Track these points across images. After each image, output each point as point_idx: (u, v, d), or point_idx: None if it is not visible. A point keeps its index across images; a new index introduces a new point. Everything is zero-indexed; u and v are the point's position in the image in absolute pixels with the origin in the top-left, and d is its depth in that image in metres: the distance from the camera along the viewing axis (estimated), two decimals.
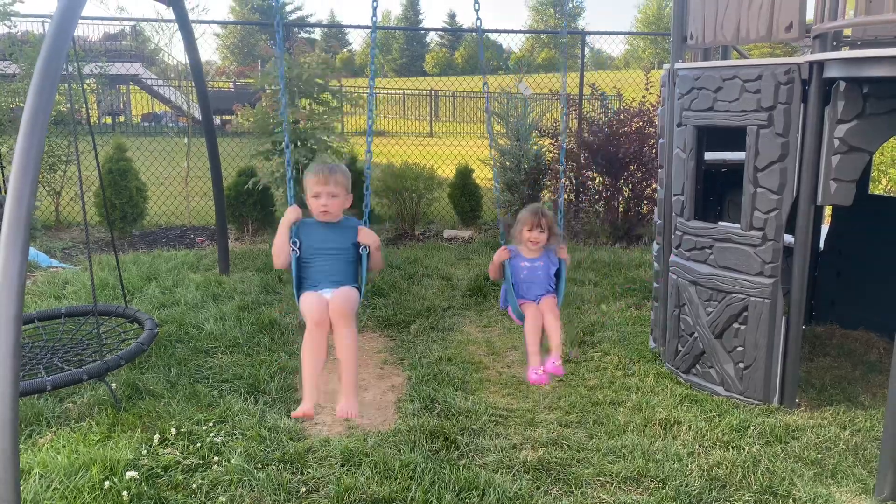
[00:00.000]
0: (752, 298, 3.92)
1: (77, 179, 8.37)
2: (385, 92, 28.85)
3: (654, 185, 7.83)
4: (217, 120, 20.62)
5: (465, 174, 8.47)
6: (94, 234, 8.08)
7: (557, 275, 3.86)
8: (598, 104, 7.95)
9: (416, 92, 28.67)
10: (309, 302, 3.13)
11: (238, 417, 3.76)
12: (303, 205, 3.40)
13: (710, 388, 4.18)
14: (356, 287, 3.29)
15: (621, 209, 7.99)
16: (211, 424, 3.68)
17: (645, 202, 7.85)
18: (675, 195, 4.38)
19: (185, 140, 8.31)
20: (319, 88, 7.33)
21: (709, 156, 4.43)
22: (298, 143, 7.12)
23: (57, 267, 6.70)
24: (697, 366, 4.27)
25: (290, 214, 3.27)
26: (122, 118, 23.14)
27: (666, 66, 4.52)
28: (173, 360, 4.46)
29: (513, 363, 4.72)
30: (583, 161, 7.73)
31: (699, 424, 3.78)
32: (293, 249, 3.25)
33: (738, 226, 3.97)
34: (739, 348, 4.02)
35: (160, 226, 8.50)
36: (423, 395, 4.07)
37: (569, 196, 8.30)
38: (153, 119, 22.89)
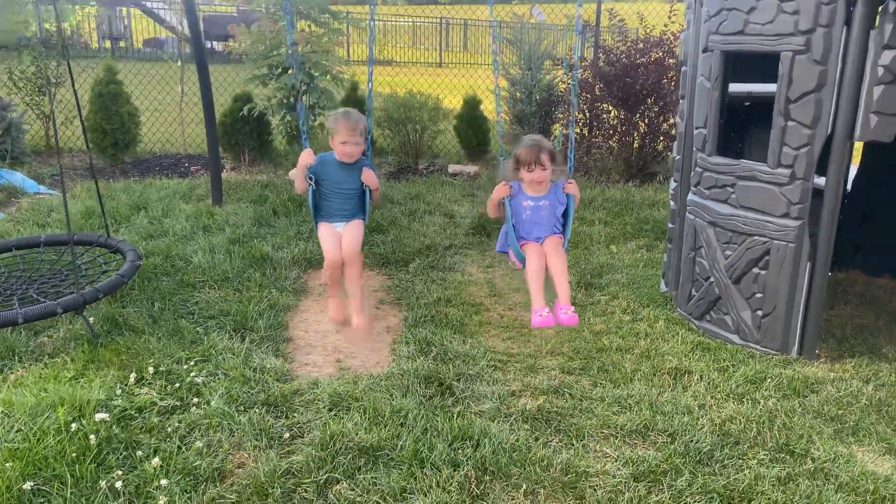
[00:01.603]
0: (776, 242, 3.62)
1: (67, 103, 8.04)
2: (393, 20, 27.91)
3: (671, 120, 7.42)
4: (219, 46, 20.01)
5: (472, 105, 8.06)
6: (85, 161, 7.78)
7: (565, 214, 3.52)
8: (616, 34, 7.46)
9: (426, 20, 27.71)
10: (325, 236, 3.76)
11: (222, 356, 3.55)
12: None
13: (724, 335, 3.93)
14: (363, 219, 3.89)
15: (636, 145, 7.61)
16: (192, 363, 3.47)
17: (661, 138, 7.47)
18: (696, 128, 4.04)
19: (179, 63, 7.90)
20: (320, 9, 6.89)
21: (732, 88, 4.07)
22: (293, 69, 6.74)
23: (44, 194, 6.44)
24: (712, 312, 4.01)
25: (306, 159, 3.72)
26: (122, 43, 22.49)
27: None
28: (157, 294, 4.24)
29: (515, 306, 4.47)
30: (597, 93, 7.30)
31: (712, 375, 3.54)
32: (310, 185, 3.76)
33: (765, 163, 3.64)
34: (758, 295, 3.75)
35: (154, 153, 8.18)
36: (419, 338, 3.85)
37: (581, 130, 7.90)
38: (155, 45, 22.21)
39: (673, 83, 7.18)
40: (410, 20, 28.01)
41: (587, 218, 6.20)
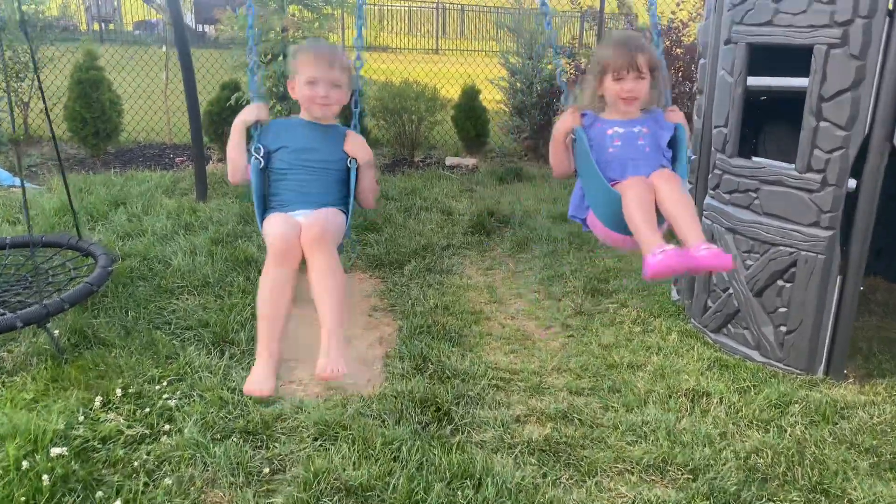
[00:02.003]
0: (803, 253, 3.32)
1: (46, 90, 7.66)
2: (389, 6, 27.41)
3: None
4: (209, 30, 19.52)
5: (470, 95, 7.72)
6: (66, 151, 7.42)
7: (671, 146, 2.40)
8: (623, 21, 7.11)
9: (423, 6, 27.22)
10: (274, 224, 2.32)
11: (199, 375, 3.25)
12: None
13: (743, 351, 3.65)
14: (343, 211, 2.48)
15: None
16: (166, 383, 3.16)
17: None
18: (715, 127, 3.73)
19: (163, 49, 7.53)
20: None
21: (749, 81, 3.75)
22: (283, 56, 6.38)
23: (19, 187, 6.08)
24: (730, 325, 3.72)
25: (250, 112, 2.47)
26: (111, 25, 21.98)
27: None
28: (132, 302, 3.93)
29: (517, 314, 4.18)
30: None
31: (732, 398, 3.26)
32: (256, 158, 2.44)
33: (792, 166, 3.33)
34: (782, 309, 3.46)
35: (138, 143, 7.82)
36: (415, 352, 3.55)
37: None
38: (146, 27, 21.71)
39: (681, 73, 6.85)
40: (407, 5, 27.53)
41: None
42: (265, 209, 2.47)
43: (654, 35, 2.54)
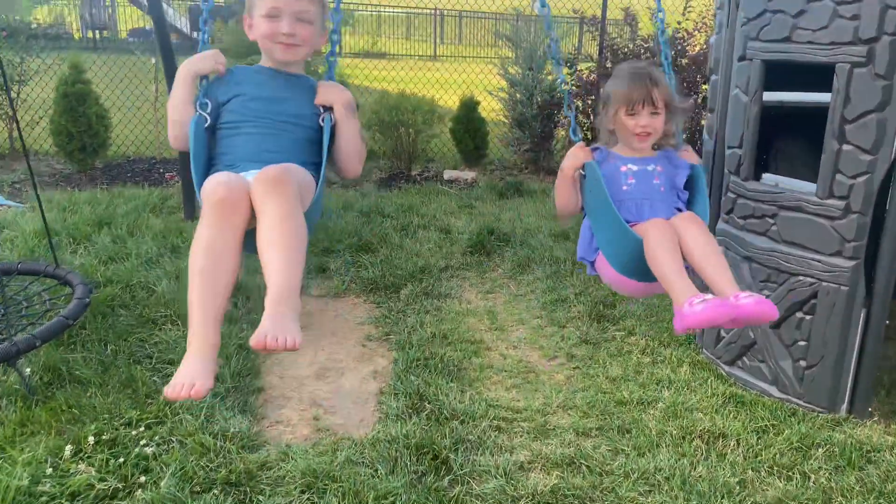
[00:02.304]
0: (825, 284, 3.12)
1: (32, 102, 7.46)
2: (386, 11, 27.25)
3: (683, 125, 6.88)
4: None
5: (469, 107, 7.51)
6: (52, 166, 7.21)
7: (689, 187, 2.22)
8: (626, 29, 6.91)
9: (420, 11, 27.05)
10: (215, 178, 1.83)
11: (179, 417, 3.03)
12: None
13: (759, 386, 3.43)
14: (313, 176, 1.98)
15: None
16: (143, 427, 2.95)
17: None
18: (729, 147, 3.52)
19: (153, 61, 7.32)
20: None
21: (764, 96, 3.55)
22: None
23: (2, 205, 5.87)
24: (745, 358, 3.51)
25: (203, 60, 1.99)
26: (106, 33, 21.78)
27: None
28: (112, 334, 3.71)
29: (519, 343, 3.96)
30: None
31: (750, 439, 3.05)
32: (200, 114, 1.96)
33: (812, 188, 3.13)
34: (802, 343, 3.25)
35: (128, 157, 7.60)
36: (411, 389, 3.33)
37: (586, 135, 7.37)
38: (141, 35, 21.51)
39: (686, 85, 6.65)
40: (405, 11, 27.37)
41: None
42: (207, 173, 1.93)
43: (666, 66, 2.36)
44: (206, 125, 1.97)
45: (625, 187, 2.14)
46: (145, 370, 3.41)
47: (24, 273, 3.91)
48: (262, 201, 1.75)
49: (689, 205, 2.19)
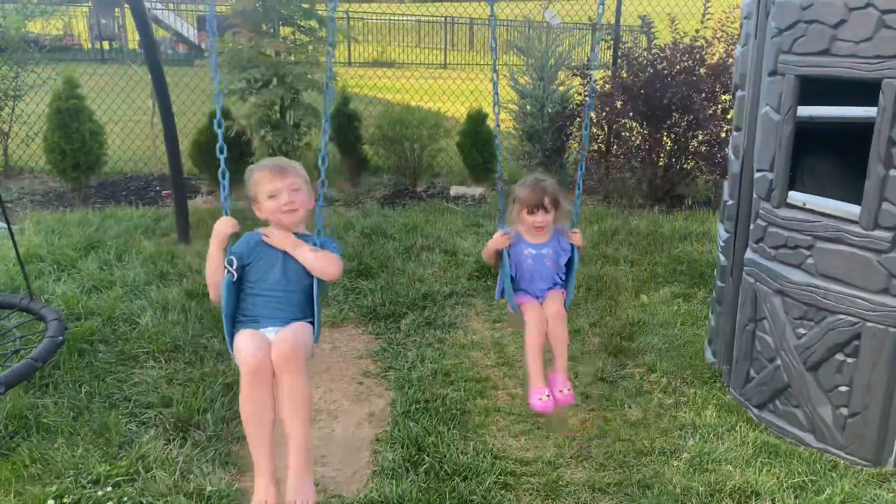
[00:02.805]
0: (870, 325, 2.79)
1: (27, 118, 7.25)
2: (396, 18, 27.09)
3: (700, 136, 6.58)
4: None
5: (477, 120, 7.21)
6: (47, 184, 6.99)
7: (568, 264, 3.15)
8: (642, 38, 6.60)
9: (431, 18, 26.85)
10: (244, 341, 2.40)
11: (153, 473, 2.74)
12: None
13: (794, 434, 3.11)
14: (310, 322, 2.55)
15: (661, 164, 6.76)
16: (110, 487, 2.66)
17: (691, 157, 6.61)
18: (758, 171, 3.21)
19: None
20: (302, 14, 6.08)
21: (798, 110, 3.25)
22: (275, 81, 5.93)
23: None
24: (777, 401, 3.19)
25: (222, 226, 2.51)
26: (115, 44, 21.74)
27: None
28: (87, 373, 3.44)
29: (528, 381, 3.65)
30: (618, 107, 6.45)
31: (787, 498, 2.72)
32: (228, 271, 2.47)
33: (855, 213, 2.81)
34: (843, 388, 2.92)
35: (124, 174, 7.37)
36: (409, 438, 3.03)
37: (600, 148, 7.07)
38: None
39: (704, 97, 6.33)
40: (415, 17, 27.19)
41: (611, 256, 5.37)
42: (234, 323, 2.52)
43: (585, 124, 3.15)
44: (234, 280, 2.48)
45: (525, 266, 3.11)
46: (121, 415, 3.14)
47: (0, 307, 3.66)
48: (280, 372, 2.36)
49: (565, 279, 3.15)
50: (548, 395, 2.97)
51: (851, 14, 2.68)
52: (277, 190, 2.52)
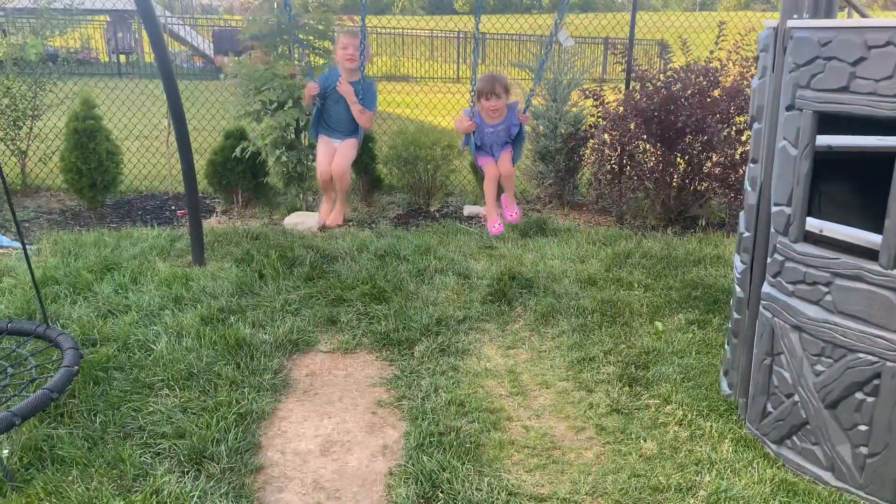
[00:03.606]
0: (890, 364, 2.75)
1: (45, 136, 7.32)
2: (410, 33, 27.24)
3: (715, 158, 6.55)
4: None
5: None
6: (64, 203, 7.06)
7: (518, 135, 4.55)
8: (657, 59, 6.58)
9: (444, 33, 26.96)
10: (321, 156, 4.77)
11: None
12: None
13: (812, 472, 3.07)
14: (356, 137, 4.82)
15: (675, 184, 6.74)
16: None
17: (705, 179, 6.58)
18: (775, 205, 3.18)
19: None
20: (318, 35, 6.13)
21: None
22: (290, 103, 5.97)
23: (7, 247, 5.69)
24: (795, 438, 3.15)
25: (307, 91, 4.68)
26: (134, 57, 21.98)
27: (770, 22, 3.26)
28: (103, 402, 3.45)
29: (543, 410, 3.64)
30: (632, 129, 6.44)
31: None
32: (316, 104, 4.72)
33: (875, 250, 2.78)
34: (862, 427, 2.88)
35: (140, 192, 7.43)
36: (424, 473, 3.02)
37: (613, 168, 7.05)
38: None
39: (717, 117, 6.30)
40: (429, 32, 27.32)
41: (624, 279, 5.34)
42: (318, 127, 4.82)
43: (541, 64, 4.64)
44: (320, 105, 4.73)
45: (486, 139, 4.48)
46: (135, 446, 3.14)
47: (14, 333, 3.68)
48: (335, 180, 4.75)
49: (514, 144, 4.58)
50: (499, 224, 4.61)
51: (871, 52, 2.66)
52: (346, 44, 4.58)
